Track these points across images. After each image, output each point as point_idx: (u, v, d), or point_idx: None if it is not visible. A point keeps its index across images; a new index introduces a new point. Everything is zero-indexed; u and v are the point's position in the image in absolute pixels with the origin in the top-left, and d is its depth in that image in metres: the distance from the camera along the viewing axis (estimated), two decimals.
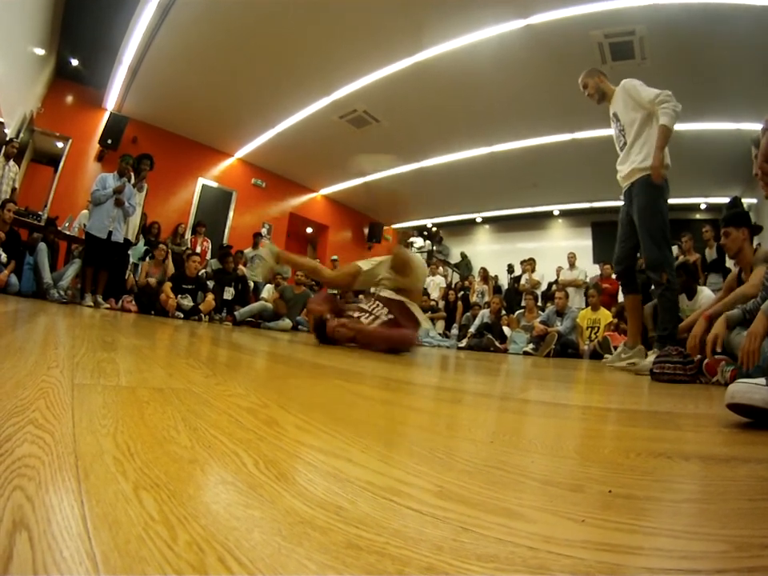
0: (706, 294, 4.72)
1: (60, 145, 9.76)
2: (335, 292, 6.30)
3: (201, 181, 11.85)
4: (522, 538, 0.44)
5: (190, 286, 7.46)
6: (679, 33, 6.20)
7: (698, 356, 3.03)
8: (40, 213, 8.28)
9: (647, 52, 6.71)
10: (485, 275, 11.71)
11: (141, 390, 1.00)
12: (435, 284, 11.88)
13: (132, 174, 7.14)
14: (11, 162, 7.33)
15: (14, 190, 7.46)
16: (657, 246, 3.73)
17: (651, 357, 3.56)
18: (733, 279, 3.68)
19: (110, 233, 6.72)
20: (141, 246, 8.51)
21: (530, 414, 1.41)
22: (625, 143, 4.00)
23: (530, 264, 11.23)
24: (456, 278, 13.18)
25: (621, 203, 4.22)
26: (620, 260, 4.15)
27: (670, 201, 3.85)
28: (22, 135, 7.94)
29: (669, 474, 0.73)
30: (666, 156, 3.73)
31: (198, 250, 9.63)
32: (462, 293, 11.16)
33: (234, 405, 0.97)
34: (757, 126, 1.84)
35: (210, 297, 7.51)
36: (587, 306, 8.11)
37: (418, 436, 0.89)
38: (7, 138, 7.05)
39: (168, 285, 7.21)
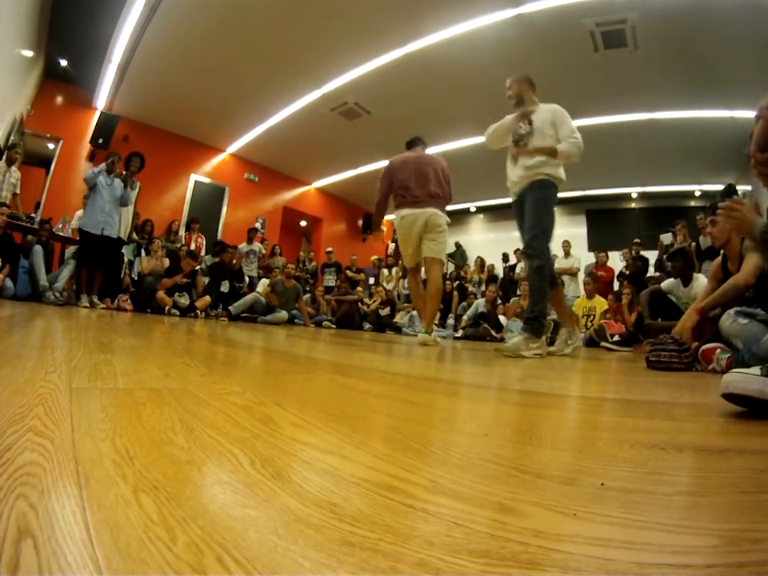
0: (701, 281, 4.69)
1: (51, 146, 9.70)
2: None
3: (193, 177, 11.82)
4: (513, 533, 0.44)
5: (186, 281, 7.48)
6: (671, 21, 6.19)
7: (694, 344, 3.06)
8: (33, 215, 8.24)
9: (639, 40, 6.70)
10: (481, 264, 11.71)
11: (138, 391, 1.01)
12: None
13: (123, 172, 7.08)
14: (13, 168, 7.30)
15: (14, 195, 7.42)
16: (533, 235, 4.01)
17: (535, 348, 3.66)
18: (717, 269, 3.60)
19: (103, 228, 6.70)
20: (132, 246, 8.53)
21: (525, 405, 1.41)
22: (524, 144, 4.18)
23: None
24: (451, 267, 13.17)
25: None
26: None
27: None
28: (12, 138, 7.89)
29: (662, 466, 0.73)
30: (562, 173, 4.15)
31: (193, 246, 9.65)
32: (457, 282, 11.16)
33: (230, 403, 0.97)
34: (751, 114, 1.85)
35: (207, 297, 7.60)
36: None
37: (412, 430, 0.89)
38: None
39: (165, 285, 7.27)
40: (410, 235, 4.99)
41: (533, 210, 4.03)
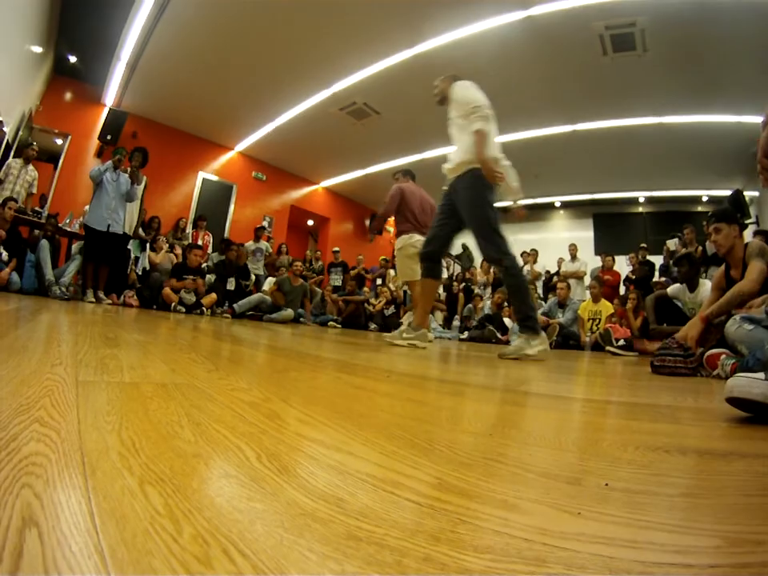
0: (707, 287, 4.67)
1: (59, 142, 9.73)
2: None
3: (201, 175, 11.84)
4: (517, 530, 0.45)
5: (191, 277, 7.48)
6: (680, 25, 6.18)
7: (699, 349, 3.05)
8: (40, 210, 8.27)
9: (648, 44, 6.69)
10: (488, 266, 11.69)
11: (144, 385, 1.01)
12: None
13: (129, 167, 7.10)
14: (30, 167, 7.33)
15: (30, 194, 7.46)
16: (485, 239, 3.70)
17: (538, 345, 3.46)
18: (721, 277, 3.59)
19: (109, 225, 6.73)
20: (137, 242, 8.54)
21: (529, 406, 1.41)
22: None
23: (531, 255, 11.20)
24: (457, 269, 13.13)
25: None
26: (429, 243, 4.20)
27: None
28: (21, 133, 7.92)
29: (666, 467, 0.73)
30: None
31: (200, 243, 9.67)
32: (463, 284, 11.14)
33: (236, 399, 0.97)
34: (758, 119, 1.84)
35: (213, 295, 7.60)
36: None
37: (418, 428, 0.89)
38: (6, 137, 7.04)
39: (171, 283, 7.28)
40: (416, 257, 5.10)
41: (469, 209, 3.78)
